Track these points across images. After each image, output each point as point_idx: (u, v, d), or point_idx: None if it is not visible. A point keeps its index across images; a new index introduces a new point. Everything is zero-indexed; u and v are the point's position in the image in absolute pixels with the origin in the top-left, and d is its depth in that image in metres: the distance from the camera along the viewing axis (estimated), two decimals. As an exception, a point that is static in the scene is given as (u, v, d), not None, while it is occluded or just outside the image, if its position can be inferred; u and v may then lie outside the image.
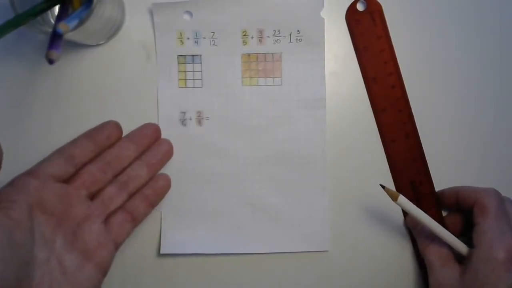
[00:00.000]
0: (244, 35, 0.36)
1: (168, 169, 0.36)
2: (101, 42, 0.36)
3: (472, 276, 0.31)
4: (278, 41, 0.36)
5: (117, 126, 0.35)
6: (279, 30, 0.36)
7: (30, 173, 0.31)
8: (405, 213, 0.37)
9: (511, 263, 0.30)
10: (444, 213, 0.36)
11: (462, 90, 0.37)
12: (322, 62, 0.36)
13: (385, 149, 0.36)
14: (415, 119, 0.36)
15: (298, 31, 0.36)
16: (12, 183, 0.30)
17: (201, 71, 0.37)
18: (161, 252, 0.36)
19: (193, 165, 0.37)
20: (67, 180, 0.32)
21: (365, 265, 0.37)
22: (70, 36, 0.31)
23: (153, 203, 0.35)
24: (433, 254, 0.33)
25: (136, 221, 0.34)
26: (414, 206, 0.32)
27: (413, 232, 0.36)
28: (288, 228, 0.36)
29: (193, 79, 0.37)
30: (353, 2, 0.36)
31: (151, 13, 0.36)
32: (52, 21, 0.34)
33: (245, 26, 0.36)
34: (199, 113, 0.37)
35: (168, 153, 0.36)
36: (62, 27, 0.29)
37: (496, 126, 0.37)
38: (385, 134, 0.36)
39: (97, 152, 0.33)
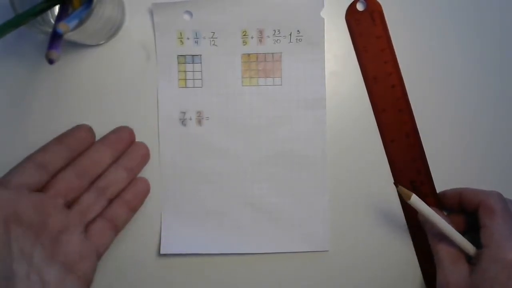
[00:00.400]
0: (244, 35, 0.36)
1: (168, 169, 0.36)
2: (101, 42, 0.36)
3: (481, 276, 0.31)
4: (278, 41, 0.36)
5: (89, 130, 0.34)
6: (279, 30, 0.36)
7: (1, 183, 0.29)
8: (406, 211, 0.37)
9: None
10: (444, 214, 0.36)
11: (462, 90, 0.37)
12: (322, 62, 0.36)
13: (386, 149, 0.36)
14: (415, 119, 0.36)
15: (298, 31, 0.36)
16: None
17: (201, 71, 0.37)
18: (161, 252, 0.36)
19: (193, 165, 0.37)
20: (42, 189, 0.30)
21: (365, 265, 0.37)
22: (70, 36, 0.31)
23: (133, 208, 0.34)
24: (443, 251, 0.33)
25: (117, 228, 0.33)
26: (427, 206, 0.32)
27: (424, 227, 0.35)
28: (288, 228, 0.36)
29: (193, 79, 0.37)
30: (352, 2, 0.36)
31: (151, 13, 0.36)
32: (52, 21, 0.34)
33: (245, 26, 0.36)
34: (199, 113, 0.37)
35: (146, 157, 0.35)
36: (62, 27, 0.29)
37: (497, 126, 0.37)
38: (385, 134, 0.36)
39: (71, 158, 0.32)
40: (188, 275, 0.37)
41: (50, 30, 0.30)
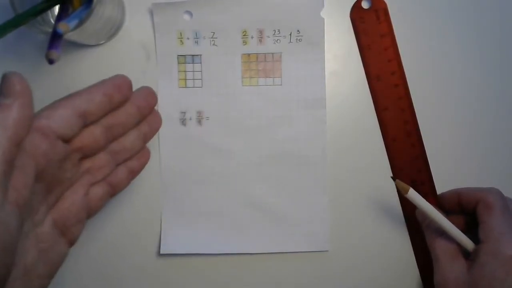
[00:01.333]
0: (244, 35, 0.36)
1: (168, 169, 0.36)
2: (101, 42, 0.36)
3: (480, 271, 0.30)
4: (278, 41, 0.36)
5: (130, 86, 0.30)
6: (279, 30, 0.36)
7: (39, 129, 0.25)
8: (405, 211, 0.37)
9: None
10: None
11: (465, 90, 0.37)
12: (322, 62, 0.36)
13: (387, 148, 0.36)
14: (417, 118, 0.36)
15: (298, 31, 0.36)
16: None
17: (201, 71, 0.37)
18: (161, 252, 0.36)
19: (193, 165, 0.37)
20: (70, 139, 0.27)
21: (365, 265, 0.37)
22: (70, 36, 0.31)
23: (134, 175, 0.32)
24: (440, 248, 0.33)
25: (114, 194, 0.31)
26: (424, 200, 0.32)
27: (422, 225, 0.35)
28: (288, 228, 0.36)
29: (193, 79, 0.37)
30: (358, 0, 0.36)
31: (151, 13, 0.36)
32: (52, 21, 0.34)
33: (245, 26, 0.36)
34: (199, 113, 0.37)
35: (159, 126, 0.33)
36: (62, 27, 0.29)
37: (498, 126, 0.37)
38: (386, 132, 0.36)
39: (107, 113, 0.29)
40: (188, 275, 0.37)
41: (50, 30, 0.30)
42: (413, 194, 0.32)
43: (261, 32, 0.36)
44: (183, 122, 0.37)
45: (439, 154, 0.36)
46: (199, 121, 0.37)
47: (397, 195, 0.37)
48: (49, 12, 0.33)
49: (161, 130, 0.36)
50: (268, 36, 0.36)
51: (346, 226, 0.37)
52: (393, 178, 0.32)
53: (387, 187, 0.36)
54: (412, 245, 0.37)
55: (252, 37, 0.36)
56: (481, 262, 0.31)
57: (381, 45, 0.36)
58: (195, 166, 0.37)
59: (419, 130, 0.36)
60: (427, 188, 0.36)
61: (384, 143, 0.36)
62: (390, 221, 0.37)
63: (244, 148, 0.37)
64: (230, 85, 0.37)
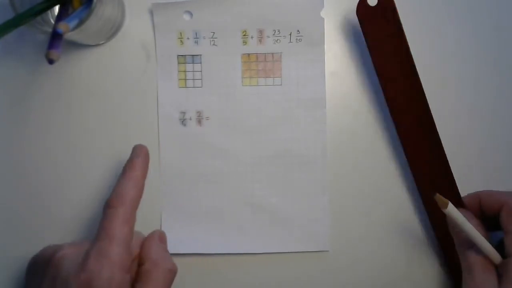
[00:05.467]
0: (244, 35, 0.36)
1: (168, 169, 0.37)
2: (101, 42, 0.36)
3: (509, 287, 0.29)
4: (278, 41, 0.36)
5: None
6: (279, 30, 0.36)
7: (121, 268, 0.28)
8: (406, 212, 0.37)
9: None
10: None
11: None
12: (322, 62, 0.36)
13: (406, 154, 0.35)
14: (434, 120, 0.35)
15: (298, 31, 0.36)
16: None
17: (201, 71, 0.37)
18: (161, 252, 0.36)
19: (193, 165, 0.37)
20: None
21: (365, 265, 0.37)
22: (70, 36, 0.31)
23: None
24: (474, 258, 0.31)
25: None
26: (461, 214, 0.30)
27: (452, 232, 0.33)
28: (288, 228, 0.36)
29: (193, 79, 0.37)
30: None
31: (151, 13, 0.36)
32: (52, 21, 0.34)
33: (245, 26, 0.36)
34: (199, 113, 0.37)
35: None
36: (62, 27, 0.29)
37: None
38: (406, 138, 0.35)
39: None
40: (188, 275, 0.37)
41: (50, 30, 0.30)
42: (451, 209, 0.30)
43: (261, 32, 0.36)
44: (183, 122, 0.37)
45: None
46: (199, 121, 0.37)
47: (396, 195, 0.37)
48: (49, 12, 0.33)
49: (161, 130, 0.37)
50: (268, 36, 0.36)
51: (346, 226, 0.37)
52: (433, 193, 0.30)
53: (387, 187, 0.36)
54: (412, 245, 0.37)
55: (252, 37, 0.36)
56: (510, 279, 0.29)
57: (391, 44, 0.34)
58: (195, 166, 0.37)
59: (437, 133, 0.35)
60: (450, 192, 0.34)
61: (404, 149, 0.35)
62: (390, 221, 0.37)
63: (244, 148, 0.37)
64: (230, 85, 0.37)
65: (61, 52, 0.29)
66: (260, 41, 0.36)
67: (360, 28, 0.35)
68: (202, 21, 0.36)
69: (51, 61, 0.29)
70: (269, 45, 0.36)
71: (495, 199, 0.31)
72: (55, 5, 0.31)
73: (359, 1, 0.34)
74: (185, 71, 0.37)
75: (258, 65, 0.37)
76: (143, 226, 0.36)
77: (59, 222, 0.37)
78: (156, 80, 0.37)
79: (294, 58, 0.36)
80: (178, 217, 0.37)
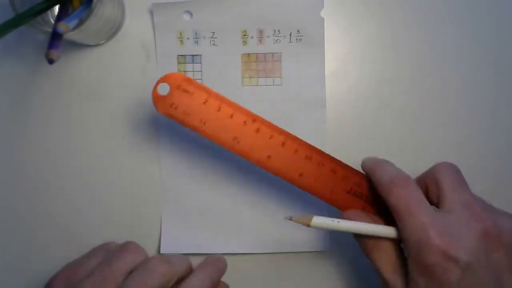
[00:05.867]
0: (244, 35, 0.36)
1: (168, 169, 0.36)
2: (101, 42, 0.36)
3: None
4: (278, 41, 0.36)
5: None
6: (279, 30, 0.36)
7: None
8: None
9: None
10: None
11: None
12: (322, 62, 0.36)
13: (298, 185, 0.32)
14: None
15: (298, 31, 0.36)
16: None
17: (201, 71, 0.37)
18: (161, 252, 0.36)
19: (193, 165, 0.37)
20: None
21: (364, 265, 0.37)
22: (70, 36, 0.31)
23: None
24: (378, 260, 0.29)
25: None
26: (330, 220, 0.29)
27: (355, 238, 0.31)
28: (287, 228, 0.36)
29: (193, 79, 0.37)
30: (153, 92, 0.30)
31: (151, 13, 0.36)
32: (52, 21, 0.34)
33: (245, 26, 0.36)
34: (199, 113, 0.37)
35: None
36: (62, 27, 0.29)
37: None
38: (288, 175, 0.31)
39: None
40: (188, 275, 0.37)
41: (50, 30, 0.30)
42: (318, 221, 0.29)
43: (261, 32, 0.36)
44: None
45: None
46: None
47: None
48: (49, 12, 0.33)
49: (161, 130, 0.37)
50: (268, 36, 0.36)
51: (346, 226, 0.37)
52: (289, 218, 0.29)
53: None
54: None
55: (252, 37, 0.36)
56: (412, 280, 0.26)
57: (213, 110, 0.30)
58: (195, 166, 0.37)
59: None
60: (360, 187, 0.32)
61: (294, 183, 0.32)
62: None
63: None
64: (230, 85, 0.37)
65: (61, 52, 0.29)
66: (260, 41, 0.36)
67: (360, 28, 0.35)
68: (202, 21, 0.36)
69: (51, 61, 0.29)
70: (269, 45, 0.36)
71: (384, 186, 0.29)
72: (55, 5, 0.31)
73: (152, 98, 0.30)
74: (185, 71, 0.37)
75: (258, 65, 0.37)
76: (144, 226, 0.36)
77: (58, 222, 0.37)
78: (156, 80, 0.37)
79: (294, 58, 0.36)
80: (178, 217, 0.37)
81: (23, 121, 0.37)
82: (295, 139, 0.31)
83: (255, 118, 0.31)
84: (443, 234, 0.25)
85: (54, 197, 0.37)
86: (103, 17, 0.32)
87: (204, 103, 0.31)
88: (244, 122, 0.31)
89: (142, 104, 0.37)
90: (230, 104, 0.31)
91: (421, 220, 0.26)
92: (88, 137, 0.37)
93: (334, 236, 0.37)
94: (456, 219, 0.26)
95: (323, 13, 0.36)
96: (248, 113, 0.31)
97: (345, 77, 0.37)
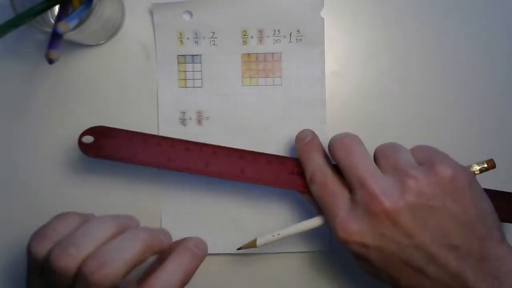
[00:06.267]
0: (244, 35, 0.36)
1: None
2: (101, 42, 0.36)
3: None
4: (278, 41, 0.36)
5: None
6: (279, 30, 0.36)
7: None
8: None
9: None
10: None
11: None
12: (322, 62, 0.36)
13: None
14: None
15: (298, 31, 0.36)
16: None
17: (201, 71, 0.37)
18: (161, 252, 0.36)
19: (193, 165, 0.37)
20: None
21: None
22: (70, 36, 0.31)
23: None
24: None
25: None
26: (273, 235, 0.33)
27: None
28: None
29: (193, 79, 0.37)
30: (79, 143, 0.33)
31: (151, 13, 0.36)
32: (52, 21, 0.34)
33: (245, 26, 0.36)
34: (199, 113, 0.37)
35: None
36: (62, 27, 0.29)
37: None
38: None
39: None
40: (188, 275, 0.37)
41: (50, 30, 0.30)
42: (262, 241, 0.33)
43: (261, 32, 0.36)
44: (183, 122, 0.37)
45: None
46: (199, 121, 0.37)
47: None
48: (49, 12, 0.33)
49: (161, 130, 0.37)
50: (268, 36, 0.36)
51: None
52: (239, 248, 0.34)
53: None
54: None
55: (252, 37, 0.36)
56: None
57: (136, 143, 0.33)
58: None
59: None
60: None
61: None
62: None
63: (244, 147, 0.36)
64: (230, 85, 0.37)
65: (61, 52, 0.29)
66: (260, 41, 0.36)
67: (360, 28, 0.35)
68: (202, 21, 0.36)
69: (51, 61, 0.29)
70: (269, 45, 0.36)
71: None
72: (55, 5, 0.31)
73: (78, 143, 0.33)
74: (185, 71, 0.37)
75: (258, 65, 0.37)
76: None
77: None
78: (156, 80, 0.37)
79: (294, 58, 0.36)
80: (178, 217, 0.37)
81: (23, 121, 0.37)
82: (223, 147, 0.34)
83: (181, 141, 0.34)
84: (346, 225, 0.29)
85: (54, 196, 0.37)
86: (103, 17, 0.32)
87: (130, 140, 0.33)
88: (172, 145, 0.34)
89: (142, 104, 0.37)
90: (155, 136, 0.34)
91: (334, 211, 0.30)
92: (88, 137, 0.37)
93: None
94: (356, 203, 0.29)
95: (323, 13, 0.36)
96: (174, 140, 0.34)
97: (345, 77, 0.37)
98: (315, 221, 0.32)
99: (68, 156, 0.37)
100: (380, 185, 0.28)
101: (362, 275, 0.36)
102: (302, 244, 0.36)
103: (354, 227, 0.28)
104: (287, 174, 0.34)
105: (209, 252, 0.36)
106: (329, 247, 0.37)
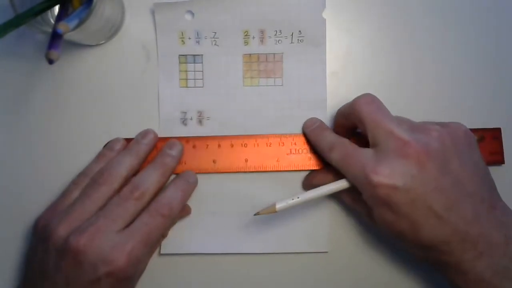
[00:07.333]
0: (245, 35, 0.36)
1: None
2: (101, 42, 0.36)
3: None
4: (280, 41, 0.36)
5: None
6: (280, 31, 0.36)
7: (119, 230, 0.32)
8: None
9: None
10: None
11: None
12: (323, 62, 0.36)
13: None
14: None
15: (299, 31, 0.36)
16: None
17: (202, 71, 0.36)
18: (161, 252, 0.36)
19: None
20: None
21: (364, 266, 0.37)
22: (70, 36, 0.31)
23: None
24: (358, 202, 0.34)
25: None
26: (292, 199, 0.32)
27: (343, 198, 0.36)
28: (288, 229, 0.36)
29: (194, 79, 0.37)
30: None
31: (153, 12, 0.36)
32: (52, 21, 0.33)
33: (247, 26, 0.36)
34: (200, 113, 0.37)
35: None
36: (62, 27, 0.29)
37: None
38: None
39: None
40: (188, 275, 0.37)
41: (50, 30, 0.30)
42: (282, 205, 0.32)
43: (262, 32, 0.36)
44: (184, 122, 0.37)
45: None
46: (200, 121, 0.37)
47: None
48: (49, 12, 0.33)
49: (162, 130, 0.36)
50: (270, 37, 0.36)
51: (346, 227, 0.37)
52: (256, 214, 0.33)
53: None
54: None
55: (253, 37, 0.36)
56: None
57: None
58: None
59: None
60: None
61: None
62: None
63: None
64: (231, 85, 0.37)
65: (61, 52, 0.29)
66: (261, 41, 0.36)
67: (361, 29, 0.35)
68: (203, 21, 0.36)
69: (51, 61, 0.29)
70: (271, 45, 0.36)
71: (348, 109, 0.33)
72: (55, 5, 0.31)
73: None
74: (186, 71, 0.37)
75: (259, 65, 0.36)
76: (144, 226, 0.36)
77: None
78: (156, 80, 0.37)
79: (295, 58, 0.36)
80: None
81: (23, 121, 0.36)
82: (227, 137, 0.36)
83: (188, 140, 0.36)
84: (378, 169, 0.29)
85: (55, 197, 0.37)
86: (103, 17, 0.32)
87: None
88: (193, 145, 0.36)
89: (143, 104, 0.37)
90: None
91: (362, 163, 0.31)
92: (89, 137, 0.36)
93: (334, 236, 0.37)
94: (384, 152, 0.30)
95: (324, 14, 0.36)
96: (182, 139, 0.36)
97: (346, 77, 0.37)
98: (340, 184, 0.32)
99: (68, 155, 0.37)
100: (408, 133, 0.30)
101: (362, 275, 0.37)
102: (302, 245, 0.36)
103: (385, 171, 0.29)
104: (285, 155, 0.36)
105: (209, 252, 0.36)
106: (329, 248, 0.37)
